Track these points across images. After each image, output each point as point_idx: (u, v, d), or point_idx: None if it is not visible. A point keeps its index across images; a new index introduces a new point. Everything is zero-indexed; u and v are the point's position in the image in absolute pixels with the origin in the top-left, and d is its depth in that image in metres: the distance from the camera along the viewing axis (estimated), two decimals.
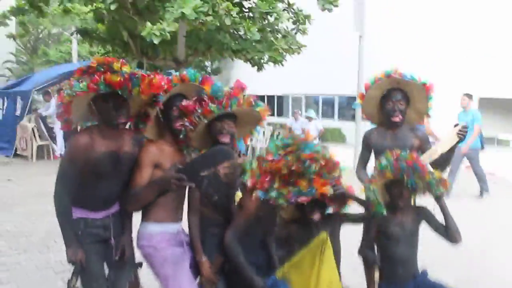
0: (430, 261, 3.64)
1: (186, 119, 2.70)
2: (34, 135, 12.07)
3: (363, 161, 3.60)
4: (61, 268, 4.58)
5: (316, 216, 2.77)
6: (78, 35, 13.67)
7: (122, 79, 2.40)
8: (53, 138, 12.71)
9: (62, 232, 2.60)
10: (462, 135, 3.07)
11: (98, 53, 18.72)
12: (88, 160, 2.53)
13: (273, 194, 2.55)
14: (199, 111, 2.67)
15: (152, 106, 2.71)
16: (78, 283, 2.68)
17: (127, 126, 2.73)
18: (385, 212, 2.90)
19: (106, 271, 2.81)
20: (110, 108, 2.50)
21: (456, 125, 3.14)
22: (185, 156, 2.85)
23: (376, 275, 2.99)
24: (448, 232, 2.99)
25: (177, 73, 2.81)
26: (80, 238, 2.62)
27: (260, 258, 2.85)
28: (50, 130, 13.11)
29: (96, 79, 2.39)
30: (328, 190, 2.57)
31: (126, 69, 2.48)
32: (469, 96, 9.01)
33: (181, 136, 2.76)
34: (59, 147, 12.50)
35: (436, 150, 3.14)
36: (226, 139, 2.75)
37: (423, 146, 3.31)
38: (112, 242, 2.73)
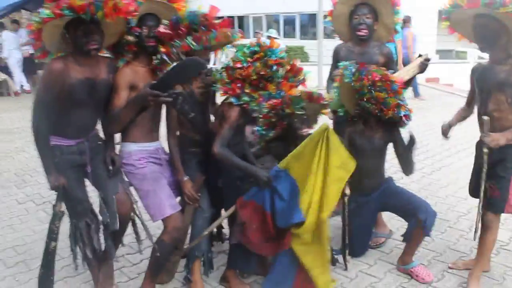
0: (395, 170, 3.87)
1: (162, 48, 2.74)
2: None
3: (332, 76, 3.72)
4: (41, 200, 4.66)
5: (305, 131, 2.91)
6: None
7: (84, 3, 2.38)
8: (9, 75, 12.26)
9: (42, 160, 2.64)
10: (424, 67, 3.24)
11: None
12: (63, 86, 2.54)
13: (245, 98, 2.70)
14: (177, 44, 2.71)
15: (130, 33, 2.72)
16: (63, 208, 2.75)
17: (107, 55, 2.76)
18: (341, 113, 3.14)
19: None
20: (80, 35, 2.51)
21: (419, 56, 3.27)
22: (158, 76, 2.88)
23: (348, 190, 3.16)
24: (406, 163, 3.21)
25: None
26: (58, 166, 2.67)
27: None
28: (4, 66, 12.60)
29: (59, 4, 2.38)
30: (296, 92, 2.75)
31: None
32: None
33: (156, 62, 2.81)
34: (17, 82, 12.11)
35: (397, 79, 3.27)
36: None
37: (388, 63, 3.42)
38: (88, 168, 2.80)
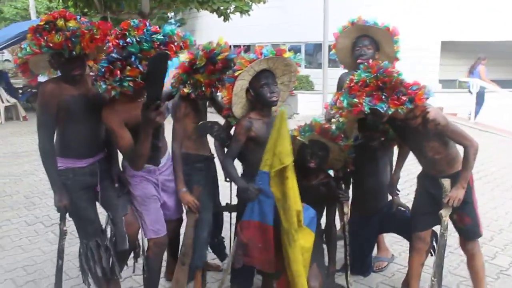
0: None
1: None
2: (1, 97, 11.86)
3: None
4: (50, 222, 4.76)
5: (312, 164, 3.03)
6: None
7: (61, 40, 2.50)
8: (19, 99, 12.54)
9: (49, 178, 2.77)
10: None
11: (56, 8, 18.07)
12: (59, 104, 2.67)
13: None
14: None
15: None
16: (67, 227, 2.87)
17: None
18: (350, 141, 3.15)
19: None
20: (63, 62, 2.64)
21: None
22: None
23: (346, 209, 3.26)
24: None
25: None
26: (69, 187, 2.79)
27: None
28: (15, 91, 12.86)
29: (39, 41, 2.52)
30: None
31: (72, 24, 2.56)
32: None
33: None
34: None
35: None
36: None
37: None
38: (98, 188, 2.89)
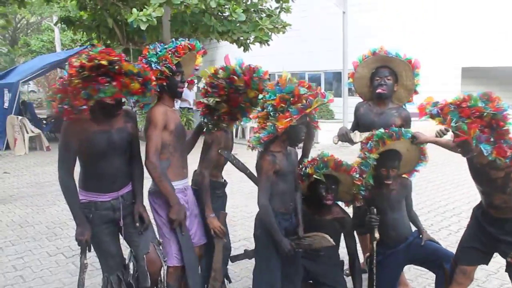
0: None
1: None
2: (25, 127, 12.09)
3: (352, 129, 3.85)
4: (71, 253, 4.76)
5: (329, 201, 3.11)
6: (61, 24, 13.60)
7: (139, 87, 2.61)
8: (43, 130, 12.78)
9: (72, 212, 2.77)
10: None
11: (80, 40, 18.60)
12: (82, 141, 2.68)
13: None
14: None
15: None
16: (87, 260, 2.84)
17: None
18: (372, 182, 3.18)
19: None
20: (111, 106, 2.64)
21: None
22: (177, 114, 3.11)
23: (377, 235, 3.20)
24: (411, 217, 3.41)
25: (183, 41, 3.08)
26: (92, 221, 2.78)
27: (291, 223, 3.03)
28: (40, 121, 13.13)
29: (119, 85, 2.54)
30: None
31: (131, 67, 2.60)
32: None
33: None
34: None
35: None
36: None
37: (404, 126, 3.44)
38: (121, 223, 2.88)
